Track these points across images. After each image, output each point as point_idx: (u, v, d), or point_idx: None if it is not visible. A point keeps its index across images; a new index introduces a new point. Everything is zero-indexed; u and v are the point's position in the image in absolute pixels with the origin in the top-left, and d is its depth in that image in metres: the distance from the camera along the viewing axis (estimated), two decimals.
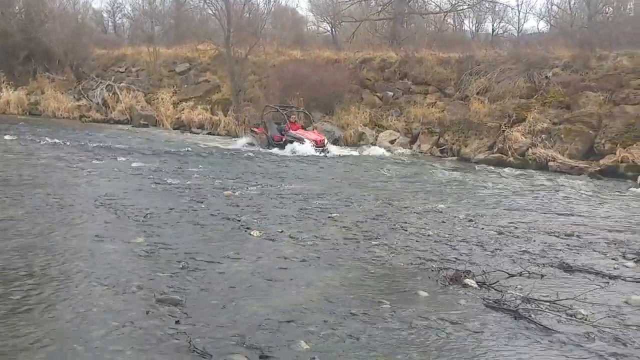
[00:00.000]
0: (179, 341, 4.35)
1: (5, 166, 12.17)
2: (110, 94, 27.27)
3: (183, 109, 24.86)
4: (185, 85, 26.82)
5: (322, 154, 18.00)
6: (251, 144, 19.68)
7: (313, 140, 18.52)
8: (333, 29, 36.35)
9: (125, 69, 29.50)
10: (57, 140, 17.49)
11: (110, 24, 48.52)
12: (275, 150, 18.71)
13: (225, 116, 23.70)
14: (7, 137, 17.63)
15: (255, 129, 20.23)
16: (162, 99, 25.68)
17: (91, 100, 27.47)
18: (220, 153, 17.68)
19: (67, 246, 6.64)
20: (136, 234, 7.39)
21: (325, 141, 18.98)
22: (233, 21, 25.48)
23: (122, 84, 27.70)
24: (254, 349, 4.32)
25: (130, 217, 8.30)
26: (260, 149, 18.97)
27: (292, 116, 20.00)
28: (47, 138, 17.85)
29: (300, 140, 18.65)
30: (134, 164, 13.93)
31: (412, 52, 23.48)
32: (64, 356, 4.02)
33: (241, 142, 20.08)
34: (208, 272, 6.07)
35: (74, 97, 27.81)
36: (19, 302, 4.91)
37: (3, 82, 27.32)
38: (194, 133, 23.38)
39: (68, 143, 17.09)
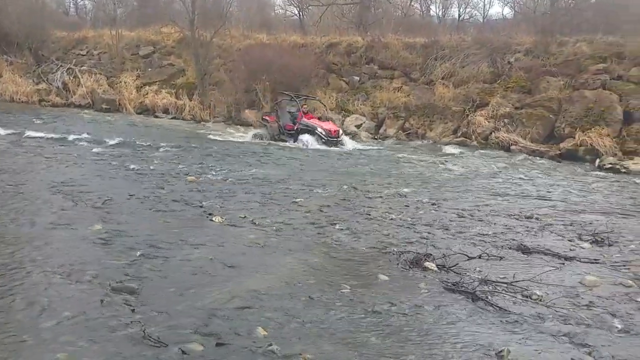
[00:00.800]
0: (134, 330, 4.27)
1: None
2: (71, 78, 26.65)
3: (147, 93, 24.44)
4: (149, 69, 26.34)
5: (337, 147, 16.62)
6: (259, 137, 18.22)
7: (327, 130, 16.91)
8: (300, 13, 36.10)
9: (87, 52, 28.81)
10: (14, 125, 17.04)
11: (72, 5, 47.44)
12: (287, 143, 17.46)
13: (191, 100, 23.39)
14: None
15: (267, 117, 18.84)
16: (125, 82, 25.19)
17: (51, 84, 26.79)
18: (186, 137, 17.46)
19: (21, 234, 6.48)
20: (94, 221, 7.24)
21: (340, 132, 17.38)
22: (198, 3, 25.08)
23: (83, 68, 27.08)
24: (210, 336, 4.27)
25: (88, 204, 8.14)
26: (270, 140, 17.85)
27: (303, 106, 18.43)
28: (3, 123, 17.38)
29: (313, 129, 17.18)
30: (94, 150, 13.67)
31: (379, 37, 23.43)
32: (13, 348, 3.91)
33: (250, 135, 18.58)
34: (167, 259, 5.98)
35: (33, 80, 27.09)
36: None
37: None
38: (158, 117, 23.03)
39: (26, 128, 16.64)
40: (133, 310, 4.64)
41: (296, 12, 37.05)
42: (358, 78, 22.50)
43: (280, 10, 41.03)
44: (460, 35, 23.25)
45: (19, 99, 25.62)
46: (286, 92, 19.48)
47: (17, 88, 26.00)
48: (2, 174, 9.82)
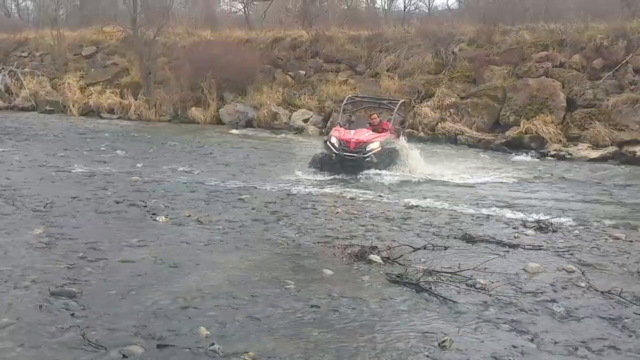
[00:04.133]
0: (73, 335, 4.21)
1: None
2: (14, 80, 25.97)
3: (91, 94, 23.94)
4: (93, 69, 25.81)
5: (357, 169, 11.55)
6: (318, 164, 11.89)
7: (342, 140, 11.72)
8: (246, 9, 35.86)
9: (29, 54, 28.10)
10: None
11: (13, 7, 46.00)
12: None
13: (136, 100, 23.02)
14: None
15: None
16: (68, 83, 24.63)
17: None
18: (131, 137, 17.20)
19: None
20: (35, 225, 7.07)
21: (370, 147, 11.66)
22: (140, 2, 24.67)
23: (25, 69, 26.41)
24: (151, 338, 4.23)
25: (29, 208, 7.94)
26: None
27: (372, 115, 13.30)
28: None
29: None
30: (36, 153, 13.34)
31: (323, 31, 23.48)
32: None
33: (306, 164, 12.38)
34: (109, 261, 5.89)
35: None
36: None
37: None
38: (103, 118, 22.60)
39: None
40: (73, 315, 4.56)
41: (241, 8, 36.80)
42: (304, 72, 22.52)
43: (225, 7, 40.71)
44: (404, 27, 23.47)
45: None
46: (357, 96, 15.92)
47: None
48: None
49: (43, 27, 30.01)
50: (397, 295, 5.41)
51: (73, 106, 23.47)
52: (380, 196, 9.75)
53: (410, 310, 5.07)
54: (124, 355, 3.97)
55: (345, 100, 13.97)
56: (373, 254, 6.48)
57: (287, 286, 5.45)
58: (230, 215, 8.04)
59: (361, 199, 9.52)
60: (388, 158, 11.87)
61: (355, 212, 8.61)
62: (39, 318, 4.48)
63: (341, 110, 14.08)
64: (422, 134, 18.20)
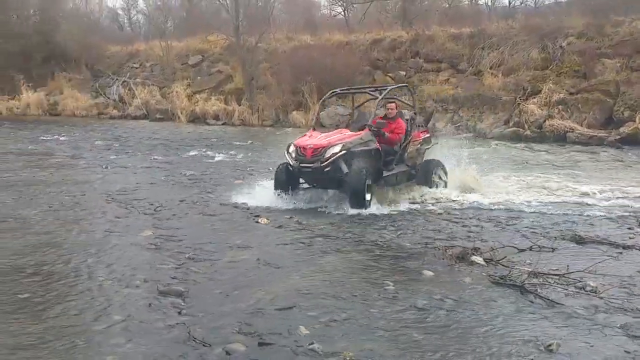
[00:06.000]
0: (179, 332, 4.38)
1: (23, 167, 12.35)
2: (126, 90, 27.52)
3: (197, 101, 24.97)
4: (199, 77, 26.91)
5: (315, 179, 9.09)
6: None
7: (298, 147, 8.92)
8: (345, 12, 36.10)
9: (140, 65, 29.70)
10: (74, 139, 17.69)
11: (126, 21, 48.79)
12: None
13: (239, 105, 23.74)
14: (26, 138, 17.84)
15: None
16: (176, 92, 25.81)
17: (108, 97, 27.76)
18: (234, 142, 17.73)
19: (76, 242, 6.72)
20: (145, 227, 7.45)
21: (330, 151, 8.63)
22: (242, 9, 25.43)
23: (137, 80, 27.93)
24: (253, 336, 4.33)
25: (140, 211, 8.38)
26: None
27: (388, 105, 9.90)
28: (65, 137, 18.08)
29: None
30: (149, 158, 14.06)
31: (423, 30, 23.23)
32: (65, 352, 4.07)
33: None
34: (214, 262, 6.10)
35: (91, 95, 28.11)
36: (25, 300, 4.98)
37: (22, 84, 27.65)
38: (209, 124, 23.46)
39: (85, 141, 17.28)
40: (179, 313, 4.75)
41: (341, 11, 37.07)
42: (404, 73, 22.40)
43: (325, 11, 41.15)
44: (508, 22, 22.77)
45: (80, 113, 26.60)
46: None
47: (77, 103, 27.03)
48: (62, 186, 10.21)
49: (153, 38, 31.62)
50: (500, 297, 5.23)
51: (181, 114, 24.53)
52: (482, 196, 9.47)
53: (515, 313, 4.88)
54: (227, 353, 4.08)
55: (326, 95, 10.78)
56: (475, 255, 6.31)
57: (387, 287, 5.41)
58: (329, 217, 8.10)
59: (463, 199, 9.29)
60: (370, 163, 8.83)
61: (457, 213, 8.42)
62: (148, 315, 4.70)
63: (318, 108, 12.85)
64: (528, 132, 17.60)
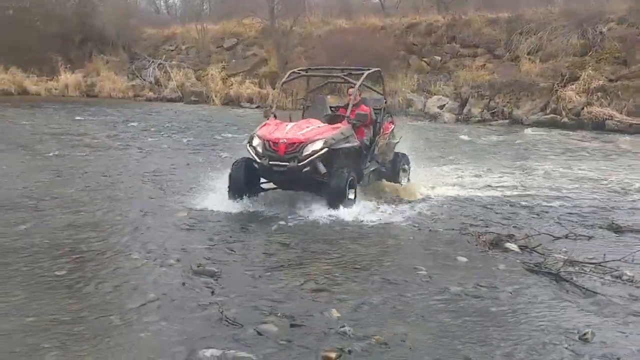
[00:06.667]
0: (212, 312, 4.43)
1: (61, 147, 12.54)
2: (162, 73, 27.71)
3: (232, 84, 25.03)
4: (233, 61, 26.95)
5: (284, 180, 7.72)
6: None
7: (266, 141, 7.45)
8: None
9: (176, 47, 29.84)
10: (111, 120, 17.93)
11: (162, 3, 49.05)
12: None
13: (274, 89, 23.74)
14: (64, 118, 18.14)
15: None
16: (211, 75, 25.89)
17: (144, 80, 27.99)
18: None
19: (112, 222, 6.83)
20: (179, 208, 7.51)
21: (309, 148, 7.30)
22: None
23: (172, 62, 28.06)
24: (285, 317, 4.36)
25: (175, 192, 8.46)
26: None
27: (350, 91, 8.68)
28: (101, 118, 18.33)
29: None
30: (184, 140, 14.17)
31: (459, 15, 22.89)
32: (100, 328, 4.15)
33: None
34: (246, 243, 6.14)
35: (128, 77, 28.38)
36: (62, 277, 5.09)
37: (61, 66, 28.06)
38: (243, 107, 23.54)
39: (122, 122, 17.49)
40: (212, 293, 4.80)
41: None
42: (440, 58, 22.13)
43: None
44: (547, 7, 22.29)
45: (116, 95, 26.86)
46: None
47: (114, 85, 27.26)
48: (98, 166, 10.36)
49: (189, 21, 31.74)
50: (534, 284, 5.18)
51: (215, 96, 24.63)
52: (520, 183, 9.35)
53: (549, 301, 4.83)
54: (259, 333, 4.12)
55: (285, 76, 9.24)
56: (510, 242, 6.26)
57: (419, 272, 5.38)
58: (362, 199, 8.05)
59: (499, 187, 9.18)
60: (352, 163, 7.79)
61: (492, 199, 8.32)
62: (182, 294, 4.76)
63: (278, 91, 10.00)
64: (565, 119, 17.27)
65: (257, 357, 3.80)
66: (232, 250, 5.89)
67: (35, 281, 4.97)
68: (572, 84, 18.07)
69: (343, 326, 4.20)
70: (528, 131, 16.45)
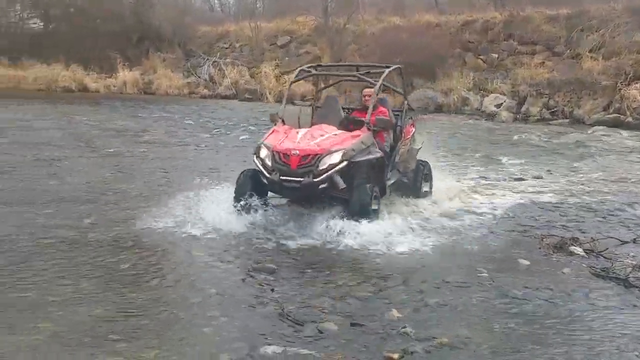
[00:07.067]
0: (272, 309, 4.44)
1: (120, 143, 12.84)
2: (217, 70, 28.07)
3: (285, 82, 25.15)
4: (287, 58, 27.10)
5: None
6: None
7: (276, 152, 6.56)
8: None
9: (230, 45, 30.19)
10: (168, 117, 18.26)
11: (216, 1, 49.69)
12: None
13: (324, 87, 23.74)
14: (123, 115, 18.55)
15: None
16: (264, 72, 26.10)
17: (199, 77, 28.41)
18: None
19: (171, 217, 6.88)
20: (237, 204, 7.54)
21: (326, 161, 6.40)
22: None
23: (227, 60, 28.40)
24: (345, 316, 4.34)
25: (232, 188, 8.48)
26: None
27: (366, 91, 7.58)
28: (158, 115, 18.69)
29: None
30: (240, 137, 14.30)
31: (517, 11, 22.41)
32: (165, 321, 4.21)
33: None
34: (305, 242, 6.11)
35: (183, 74, 28.85)
36: (126, 270, 5.19)
37: (119, 63, 28.75)
38: (296, 104, 23.61)
39: (178, 119, 17.79)
40: (272, 290, 4.82)
41: None
42: (496, 55, 21.72)
43: None
44: (609, 3, 21.61)
45: (172, 92, 27.36)
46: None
47: (170, 82, 27.76)
48: (156, 162, 10.57)
49: (242, 19, 32.06)
50: (601, 290, 5.01)
51: (269, 94, 24.82)
52: (582, 185, 9.09)
53: (618, 307, 4.66)
54: (319, 331, 4.11)
55: (295, 75, 8.36)
56: (574, 245, 6.07)
57: (481, 274, 5.28)
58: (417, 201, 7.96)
59: (560, 186, 8.94)
60: (374, 176, 6.88)
61: (554, 201, 8.11)
62: (242, 291, 4.80)
63: (285, 95, 8.35)
64: (630, 119, 16.74)
65: (319, 355, 3.79)
66: (291, 249, 5.89)
67: (101, 273, 5.08)
68: (637, 83, 17.49)
69: (404, 327, 4.14)
70: (590, 131, 15.98)
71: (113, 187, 8.49)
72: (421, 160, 7.98)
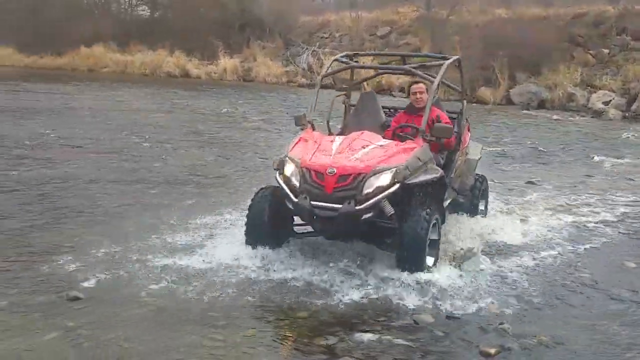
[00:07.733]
0: (364, 297, 4.52)
1: (220, 128, 13.27)
2: (315, 60, 28.33)
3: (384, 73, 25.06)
4: (386, 49, 26.92)
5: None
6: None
7: (305, 169, 4.96)
8: None
9: (329, 35, 30.37)
10: (267, 104, 18.66)
11: None
12: None
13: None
14: (224, 101, 19.11)
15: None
16: (363, 63, 26.01)
17: (298, 66, 28.78)
18: None
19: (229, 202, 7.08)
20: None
21: (373, 183, 4.79)
22: None
23: (326, 50, 28.58)
24: (440, 308, 4.33)
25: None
26: None
27: (415, 88, 6.04)
28: (258, 101, 19.12)
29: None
30: (338, 126, 14.34)
31: (632, 5, 21.22)
32: (266, 309, 4.36)
33: None
34: None
35: (282, 63, 29.33)
36: None
37: (220, 50, 29.61)
38: (394, 96, 23.50)
39: (277, 106, 18.13)
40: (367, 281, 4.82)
41: None
42: (607, 51, 20.67)
43: None
44: None
45: (270, 80, 27.91)
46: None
47: (269, 70, 28.31)
48: (255, 148, 10.91)
49: (343, 9, 32.18)
50: None
51: (367, 85, 24.81)
52: None
53: None
54: (415, 322, 4.15)
55: (326, 66, 7.07)
56: None
57: (582, 274, 5.12)
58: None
59: None
60: (432, 199, 5.26)
61: None
62: (336, 278, 4.85)
63: (317, 92, 6.65)
64: None
65: (415, 345, 3.80)
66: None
67: None
68: None
69: (502, 323, 4.09)
70: None
71: (213, 171, 8.88)
72: (478, 175, 6.76)
